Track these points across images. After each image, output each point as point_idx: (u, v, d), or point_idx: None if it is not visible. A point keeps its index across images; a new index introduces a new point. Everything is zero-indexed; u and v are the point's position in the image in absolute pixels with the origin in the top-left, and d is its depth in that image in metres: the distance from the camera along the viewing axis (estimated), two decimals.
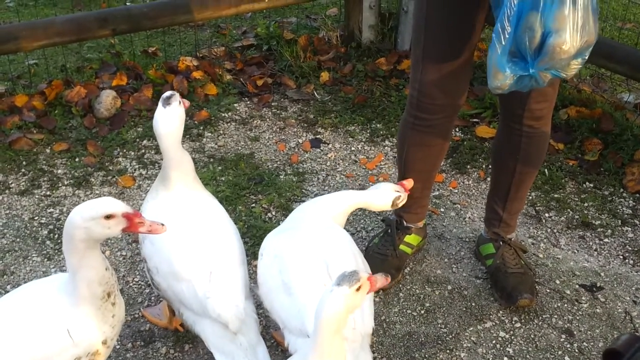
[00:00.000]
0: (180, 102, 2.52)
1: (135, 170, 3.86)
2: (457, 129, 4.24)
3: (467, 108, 4.35)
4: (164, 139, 2.51)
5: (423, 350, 2.87)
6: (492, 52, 2.39)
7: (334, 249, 2.46)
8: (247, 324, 2.44)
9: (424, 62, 2.78)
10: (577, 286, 3.20)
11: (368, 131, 4.29)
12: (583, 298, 3.14)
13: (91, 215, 1.95)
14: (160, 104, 2.51)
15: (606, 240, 3.49)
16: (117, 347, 2.81)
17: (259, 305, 2.95)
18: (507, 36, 2.33)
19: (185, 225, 2.53)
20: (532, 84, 2.42)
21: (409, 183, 2.78)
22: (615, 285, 3.22)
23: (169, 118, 2.49)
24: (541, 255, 3.37)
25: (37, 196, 3.63)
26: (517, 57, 2.36)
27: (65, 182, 3.74)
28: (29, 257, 3.25)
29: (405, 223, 3.21)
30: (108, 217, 1.97)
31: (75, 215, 1.98)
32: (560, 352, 2.88)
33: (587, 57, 2.38)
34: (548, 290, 3.17)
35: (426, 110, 2.88)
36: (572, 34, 2.25)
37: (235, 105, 4.50)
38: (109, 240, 3.35)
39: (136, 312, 2.97)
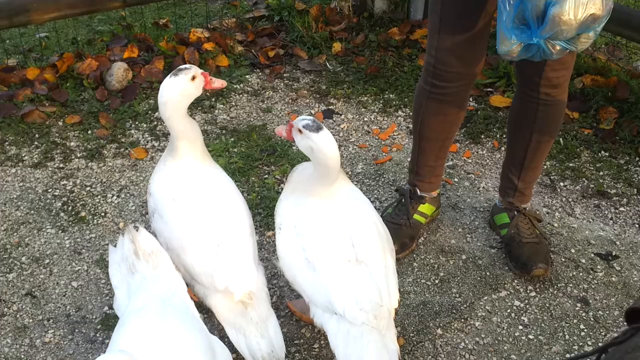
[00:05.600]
0: (194, 78, 2.50)
1: (147, 142, 3.85)
2: (471, 99, 4.21)
3: (481, 77, 4.32)
4: (160, 107, 2.51)
5: (437, 320, 2.86)
6: (500, 18, 2.38)
7: (357, 222, 2.45)
8: (257, 297, 2.45)
9: (441, 29, 2.75)
10: (592, 255, 3.19)
11: (381, 101, 4.26)
12: (598, 267, 3.13)
13: None
14: (170, 74, 2.50)
15: (622, 209, 3.47)
16: None
17: (273, 276, 2.96)
18: (512, 2, 2.31)
19: (194, 198, 2.53)
20: (541, 54, 2.40)
21: None
22: (631, 254, 3.20)
23: (169, 88, 2.47)
24: (556, 225, 3.35)
25: (50, 168, 3.64)
26: (524, 24, 2.34)
27: (78, 155, 3.74)
28: (44, 229, 3.26)
29: (419, 192, 3.19)
30: None
31: None
32: (575, 321, 2.88)
33: (599, 32, 2.37)
34: (563, 259, 3.15)
35: (442, 78, 2.85)
36: (573, 5, 2.24)
37: (247, 76, 4.48)
38: (123, 211, 3.35)
39: None
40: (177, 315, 2.15)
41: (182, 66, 2.52)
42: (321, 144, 2.35)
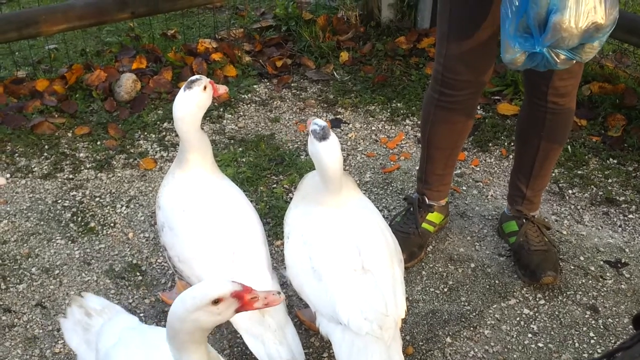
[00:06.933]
0: (205, 87, 2.51)
1: (156, 152, 3.87)
2: (478, 107, 4.20)
3: (489, 86, 4.32)
4: (178, 122, 2.50)
5: (447, 328, 2.86)
6: (503, 26, 2.38)
7: (364, 231, 2.45)
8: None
9: (449, 37, 2.76)
10: (601, 262, 3.18)
11: (388, 110, 4.26)
12: (608, 274, 3.12)
13: (196, 305, 1.71)
14: (183, 87, 2.51)
15: (630, 216, 3.46)
16: None
17: (281, 285, 2.96)
18: (514, 10, 2.31)
19: (205, 209, 2.54)
20: (545, 64, 2.39)
21: None
22: None
23: (185, 102, 2.48)
24: (565, 232, 3.34)
25: (59, 179, 3.65)
26: (528, 33, 2.34)
27: (88, 165, 3.76)
28: (53, 240, 3.27)
29: (427, 201, 3.19)
30: (216, 301, 1.73)
31: (178, 307, 1.73)
32: (585, 329, 2.87)
33: (604, 42, 2.36)
34: (572, 267, 3.15)
35: (450, 86, 2.85)
36: (574, 13, 2.23)
37: (255, 86, 4.50)
38: (132, 222, 3.36)
39: (160, 293, 2.98)
40: (156, 330, 2.17)
41: (193, 77, 2.52)
42: (322, 154, 2.37)
